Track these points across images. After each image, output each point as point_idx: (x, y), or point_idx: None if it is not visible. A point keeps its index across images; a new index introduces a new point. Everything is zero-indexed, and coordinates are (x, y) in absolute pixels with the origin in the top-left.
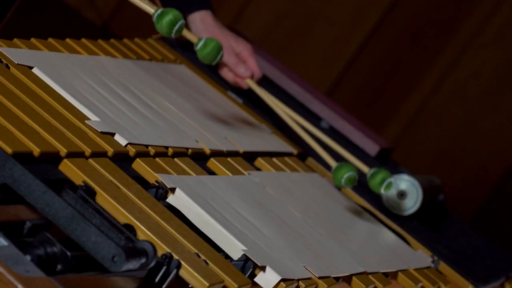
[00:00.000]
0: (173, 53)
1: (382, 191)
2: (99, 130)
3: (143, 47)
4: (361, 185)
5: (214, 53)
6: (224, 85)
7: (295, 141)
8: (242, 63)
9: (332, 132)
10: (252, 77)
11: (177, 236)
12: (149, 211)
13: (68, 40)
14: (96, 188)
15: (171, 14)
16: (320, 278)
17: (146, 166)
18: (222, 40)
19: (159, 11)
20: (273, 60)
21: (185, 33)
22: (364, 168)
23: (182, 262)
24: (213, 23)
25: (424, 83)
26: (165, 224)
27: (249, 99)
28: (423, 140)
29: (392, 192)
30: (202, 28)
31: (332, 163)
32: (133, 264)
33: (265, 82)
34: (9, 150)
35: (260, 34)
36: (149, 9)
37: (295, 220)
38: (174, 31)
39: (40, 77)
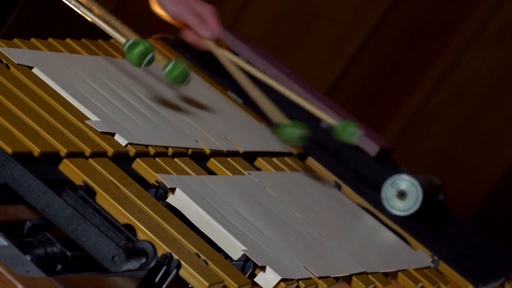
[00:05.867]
0: (173, 53)
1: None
2: (99, 130)
3: None
4: (362, 185)
5: (182, 76)
6: (224, 85)
7: None
8: (204, 24)
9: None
10: (213, 39)
11: (177, 236)
12: (149, 211)
13: (68, 40)
14: (96, 188)
15: (142, 46)
16: (320, 278)
17: (146, 166)
18: (184, 2)
19: (130, 41)
20: (273, 60)
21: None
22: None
23: (182, 262)
24: None
25: (424, 83)
26: (165, 224)
27: (249, 99)
28: (423, 140)
29: (392, 192)
30: None
31: (122, 40)
32: (133, 264)
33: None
34: (9, 150)
35: (260, 34)
36: (121, 38)
37: (295, 220)
38: (144, 62)
39: (40, 77)
